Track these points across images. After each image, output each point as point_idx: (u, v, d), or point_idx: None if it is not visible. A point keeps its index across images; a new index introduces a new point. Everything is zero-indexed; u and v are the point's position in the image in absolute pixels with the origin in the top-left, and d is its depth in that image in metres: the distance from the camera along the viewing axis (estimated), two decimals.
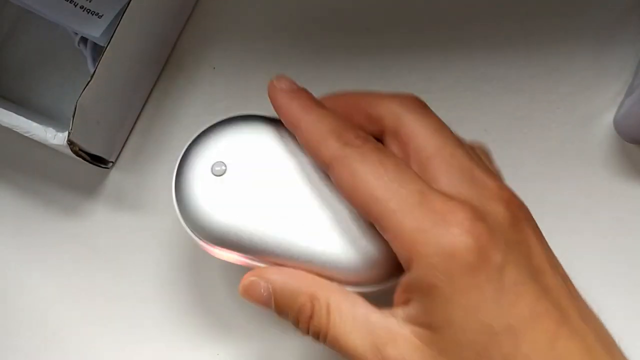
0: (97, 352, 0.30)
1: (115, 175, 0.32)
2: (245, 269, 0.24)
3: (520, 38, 0.32)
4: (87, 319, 0.31)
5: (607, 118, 0.31)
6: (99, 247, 0.31)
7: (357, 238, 0.23)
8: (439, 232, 0.19)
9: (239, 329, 0.30)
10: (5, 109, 0.28)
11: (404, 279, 0.20)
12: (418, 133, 0.22)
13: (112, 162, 0.32)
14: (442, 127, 0.22)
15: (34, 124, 0.27)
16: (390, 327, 0.21)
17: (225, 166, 0.24)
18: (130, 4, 0.28)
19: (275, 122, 0.25)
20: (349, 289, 0.22)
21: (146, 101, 0.32)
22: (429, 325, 0.20)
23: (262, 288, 0.23)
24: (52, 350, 0.30)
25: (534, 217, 0.22)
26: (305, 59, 0.32)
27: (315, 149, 0.23)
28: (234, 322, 0.30)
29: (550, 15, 0.32)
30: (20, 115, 0.28)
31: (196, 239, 0.24)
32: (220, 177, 0.24)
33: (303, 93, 0.24)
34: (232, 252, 0.24)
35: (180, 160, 0.25)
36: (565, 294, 0.20)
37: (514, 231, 0.20)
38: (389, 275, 0.23)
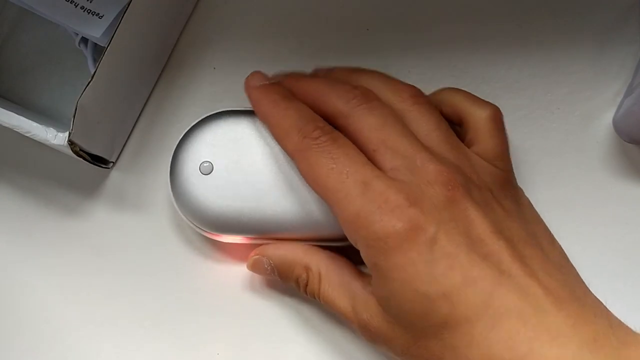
0: (97, 352, 0.30)
1: (115, 175, 0.32)
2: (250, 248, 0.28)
3: (520, 38, 0.32)
4: (87, 318, 0.31)
5: (607, 118, 0.31)
6: (99, 247, 0.31)
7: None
8: (375, 218, 0.23)
9: (239, 329, 0.30)
10: (5, 109, 0.28)
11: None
12: (362, 128, 0.25)
13: (112, 162, 0.32)
14: (385, 120, 0.25)
15: (35, 124, 0.27)
16: (365, 295, 0.25)
17: (211, 163, 0.28)
18: (130, 5, 0.28)
19: (252, 114, 0.28)
20: (336, 244, 0.27)
21: (147, 101, 0.32)
22: (380, 296, 0.24)
23: (265, 263, 0.28)
24: (52, 350, 0.30)
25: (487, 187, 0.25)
26: (305, 59, 0.32)
27: (281, 142, 0.26)
28: (234, 322, 0.30)
29: (550, 15, 0.32)
30: (21, 115, 0.28)
31: (203, 232, 0.28)
32: (209, 174, 0.27)
33: (273, 88, 0.28)
34: (236, 235, 0.28)
35: (171, 166, 0.28)
36: (508, 257, 0.22)
37: (450, 209, 0.23)
38: None
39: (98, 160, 0.30)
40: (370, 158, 0.25)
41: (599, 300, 0.24)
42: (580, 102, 0.31)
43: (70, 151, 0.28)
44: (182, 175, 0.28)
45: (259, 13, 0.33)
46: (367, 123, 0.25)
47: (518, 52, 0.31)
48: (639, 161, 0.30)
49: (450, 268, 0.22)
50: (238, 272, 0.30)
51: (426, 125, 0.26)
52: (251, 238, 0.28)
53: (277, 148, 0.28)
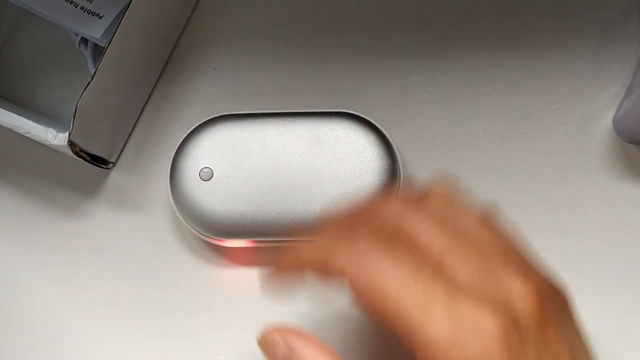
0: (97, 352, 0.30)
1: (115, 176, 0.32)
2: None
3: (520, 38, 0.32)
4: (87, 319, 0.31)
5: (606, 118, 0.31)
6: (99, 247, 0.31)
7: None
8: (472, 345, 0.18)
9: (239, 329, 0.30)
10: (5, 109, 0.28)
11: None
12: (420, 231, 0.20)
13: (112, 162, 0.32)
14: (444, 221, 0.21)
15: (35, 125, 0.27)
16: None
17: (211, 169, 0.27)
18: (130, 5, 0.28)
19: (247, 117, 0.28)
20: None
21: (146, 101, 0.32)
22: None
23: (281, 352, 0.22)
24: (52, 350, 0.31)
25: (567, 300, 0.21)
26: (305, 59, 0.32)
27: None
28: (234, 322, 0.30)
29: (550, 15, 0.32)
30: (21, 115, 0.28)
31: (206, 238, 0.28)
32: (210, 180, 0.27)
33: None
34: (239, 240, 0.28)
35: (171, 172, 0.28)
36: None
37: (541, 329, 0.19)
38: None
39: (98, 161, 0.30)
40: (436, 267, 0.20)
41: None
42: (580, 102, 0.31)
43: (70, 151, 0.28)
44: (183, 183, 0.28)
45: (259, 13, 0.33)
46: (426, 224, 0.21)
47: (518, 52, 0.31)
48: (639, 161, 0.30)
49: None
50: (238, 272, 0.30)
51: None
52: (254, 242, 0.28)
53: (276, 151, 0.28)
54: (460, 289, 0.19)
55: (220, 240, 0.28)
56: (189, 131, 0.29)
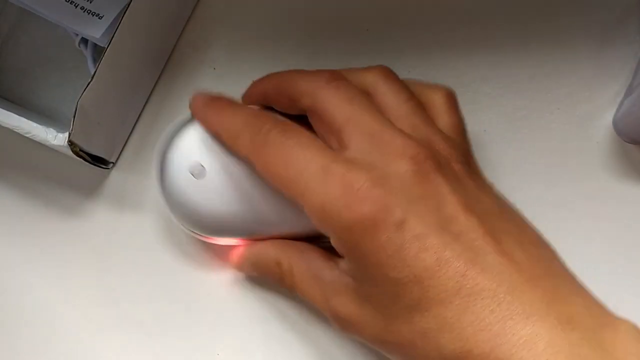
0: (97, 352, 0.30)
1: (115, 176, 0.32)
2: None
3: (520, 38, 0.32)
4: (87, 319, 0.31)
5: (607, 118, 0.31)
6: (99, 248, 0.31)
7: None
8: (340, 206, 0.21)
9: (239, 329, 0.30)
10: (5, 109, 0.28)
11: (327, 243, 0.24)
12: (327, 106, 0.24)
13: (112, 162, 0.32)
14: (352, 97, 0.24)
15: (35, 125, 0.27)
16: (334, 280, 0.24)
17: (203, 166, 0.26)
18: (130, 5, 0.28)
19: None
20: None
21: (147, 101, 0.32)
22: (354, 278, 0.23)
23: (244, 263, 0.28)
24: (52, 350, 0.31)
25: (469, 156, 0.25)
26: (305, 59, 0.32)
27: (233, 149, 0.25)
28: (234, 322, 0.30)
29: (550, 15, 0.32)
30: (21, 115, 0.28)
31: (195, 235, 0.28)
32: (202, 179, 0.26)
33: (216, 99, 0.27)
34: (228, 238, 0.28)
35: (161, 169, 0.27)
36: (481, 235, 0.21)
37: (419, 186, 0.22)
38: None
39: (98, 161, 0.30)
40: (336, 139, 0.23)
41: (576, 278, 0.23)
42: (580, 103, 0.31)
43: (70, 151, 0.28)
44: (174, 180, 0.27)
45: (259, 13, 0.33)
46: (332, 101, 0.24)
47: (518, 52, 0.31)
48: (639, 161, 0.30)
49: (421, 250, 0.21)
50: (238, 273, 0.30)
51: (395, 99, 0.25)
52: (247, 240, 0.28)
53: None
54: (343, 158, 0.23)
55: (213, 238, 0.28)
56: (177, 124, 0.28)
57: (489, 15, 0.32)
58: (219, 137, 0.26)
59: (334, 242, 0.23)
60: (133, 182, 0.32)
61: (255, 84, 0.28)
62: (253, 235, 0.27)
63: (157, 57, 0.32)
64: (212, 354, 0.30)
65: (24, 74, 0.33)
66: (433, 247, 0.21)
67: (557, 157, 0.31)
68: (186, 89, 0.32)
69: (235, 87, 0.31)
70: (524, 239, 0.23)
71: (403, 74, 0.31)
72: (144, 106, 0.32)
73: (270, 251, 0.27)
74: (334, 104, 0.24)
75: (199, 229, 0.27)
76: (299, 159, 0.23)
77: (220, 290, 0.30)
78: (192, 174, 0.26)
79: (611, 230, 0.30)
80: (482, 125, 0.31)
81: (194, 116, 0.27)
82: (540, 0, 0.32)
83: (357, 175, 0.22)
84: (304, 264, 0.26)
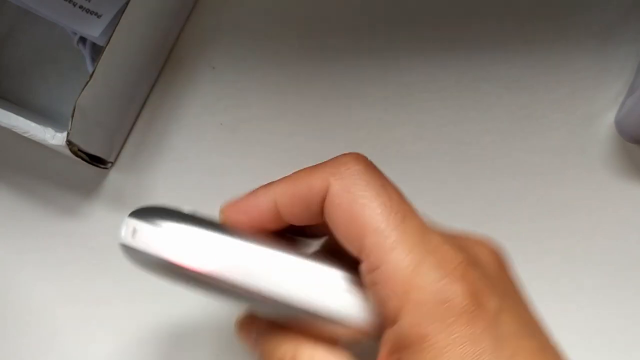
0: (96, 353, 0.30)
1: (114, 176, 0.32)
2: None
3: (520, 38, 0.31)
4: (85, 319, 0.31)
5: (608, 118, 0.30)
6: (98, 248, 0.31)
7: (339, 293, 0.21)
8: (435, 277, 0.18)
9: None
10: (4, 109, 0.28)
11: (389, 335, 0.19)
12: (344, 205, 0.20)
13: (111, 162, 0.32)
14: (367, 189, 0.20)
15: (33, 124, 0.27)
16: None
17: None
18: (129, 4, 0.28)
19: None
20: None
21: (145, 101, 0.32)
22: None
23: (253, 332, 0.23)
24: (51, 350, 0.30)
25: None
26: (305, 59, 0.32)
27: (307, 190, 0.20)
28: (233, 322, 0.30)
29: (551, 15, 0.32)
30: (19, 115, 0.27)
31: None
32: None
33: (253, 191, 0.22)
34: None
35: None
36: (559, 355, 0.19)
37: (503, 278, 0.20)
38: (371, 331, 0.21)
39: (96, 161, 0.30)
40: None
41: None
42: (582, 102, 0.31)
43: (69, 151, 0.28)
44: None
45: (259, 13, 0.33)
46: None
47: (519, 52, 0.31)
48: None
49: (517, 353, 0.18)
50: None
51: None
52: None
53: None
54: (434, 230, 0.19)
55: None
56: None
57: (489, 15, 0.32)
58: (283, 207, 0.21)
59: (403, 324, 0.18)
60: (132, 182, 0.32)
61: (248, 197, 0.22)
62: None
63: (156, 56, 0.32)
64: (212, 354, 0.30)
65: (22, 73, 0.33)
66: (526, 353, 0.18)
67: (557, 157, 0.30)
68: (185, 89, 0.32)
69: (235, 87, 0.31)
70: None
71: (403, 74, 0.31)
72: (143, 106, 0.32)
73: (289, 333, 0.22)
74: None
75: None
76: (399, 209, 0.19)
77: None
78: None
79: (613, 229, 0.29)
80: (484, 125, 0.31)
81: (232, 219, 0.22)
82: (540, 0, 0.32)
83: (452, 249, 0.19)
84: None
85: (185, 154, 0.32)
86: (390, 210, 0.19)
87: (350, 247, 0.20)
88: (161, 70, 0.33)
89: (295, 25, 0.33)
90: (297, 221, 0.21)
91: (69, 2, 0.30)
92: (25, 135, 0.28)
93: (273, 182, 0.22)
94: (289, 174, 0.21)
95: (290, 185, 0.21)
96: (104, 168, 0.31)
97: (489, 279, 0.19)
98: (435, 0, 0.32)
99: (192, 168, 0.31)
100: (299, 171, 0.21)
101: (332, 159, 0.21)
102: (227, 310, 0.30)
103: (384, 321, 0.19)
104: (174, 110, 0.32)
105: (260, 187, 0.22)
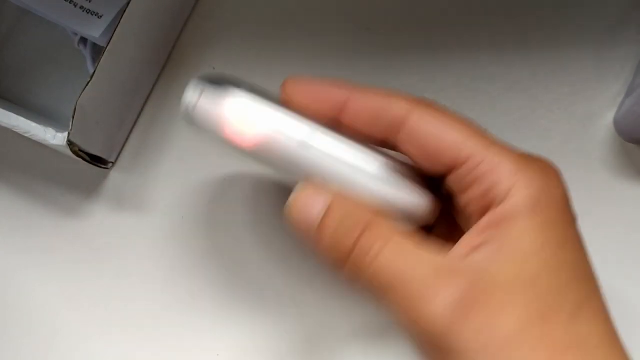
0: (96, 353, 0.30)
1: (115, 176, 0.32)
2: None
3: (521, 38, 0.32)
4: (86, 319, 0.31)
5: (608, 118, 0.31)
6: (99, 248, 0.31)
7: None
8: (535, 169, 0.21)
9: (239, 330, 0.30)
10: (4, 109, 0.28)
11: (490, 215, 0.21)
12: (435, 132, 0.22)
13: (112, 162, 0.32)
14: (457, 122, 0.23)
15: (34, 124, 0.27)
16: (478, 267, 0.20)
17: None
18: (130, 4, 0.28)
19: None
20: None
21: (146, 101, 0.32)
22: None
23: (319, 204, 0.21)
24: (52, 351, 0.30)
25: None
26: (305, 59, 0.32)
27: (384, 106, 0.22)
28: (233, 323, 0.30)
29: (550, 15, 0.32)
30: (20, 115, 0.27)
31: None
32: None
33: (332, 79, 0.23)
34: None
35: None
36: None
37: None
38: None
39: (97, 161, 0.30)
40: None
41: None
42: (581, 102, 0.31)
43: (70, 151, 0.28)
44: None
45: (259, 13, 0.33)
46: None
47: (518, 52, 0.31)
48: None
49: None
50: (238, 273, 0.30)
51: None
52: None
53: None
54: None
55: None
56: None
57: (489, 14, 0.32)
58: (354, 105, 0.22)
59: (512, 202, 0.20)
60: (132, 182, 0.32)
61: (324, 87, 0.23)
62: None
63: (156, 56, 0.32)
64: (212, 354, 0.30)
65: (23, 73, 0.33)
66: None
67: (557, 157, 0.30)
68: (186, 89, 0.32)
69: None
70: None
71: (403, 74, 0.31)
72: (144, 106, 0.32)
73: (364, 207, 0.22)
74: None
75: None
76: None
77: (220, 290, 0.30)
78: None
79: (612, 229, 0.30)
80: (483, 125, 0.31)
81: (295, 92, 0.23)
82: (540, 0, 0.32)
83: (535, 157, 0.23)
84: (411, 241, 0.21)
85: (186, 154, 0.32)
86: (475, 127, 0.22)
87: (435, 162, 0.22)
88: (162, 71, 0.33)
89: (295, 25, 0.33)
90: (360, 127, 0.23)
91: (70, 2, 0.30)
92: (26, 135, 0.28)
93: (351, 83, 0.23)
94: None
95: (371, 94, 0.22)
96: (104, 168, 0.31)
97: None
98: (435, 1, 0.32)
99: (193, 168, 0.31)
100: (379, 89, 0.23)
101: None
102: (229, 311, 0.30)
103: (485, 207, 0.21)
104: (175, 110, 0.32)
105: (336, 79, 0.23)
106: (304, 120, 0.22)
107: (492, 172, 0.21)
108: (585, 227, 0.30)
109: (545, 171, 0.22)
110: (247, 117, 0.22)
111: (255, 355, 0.30)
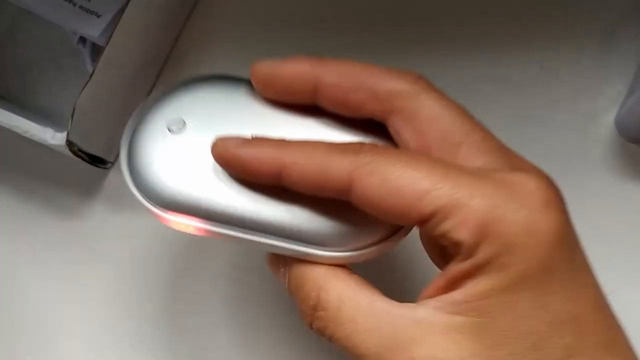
0: (96, 353, 0.30)
1: (114, 176, 0.32)
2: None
3: (521, 38, 0.31)
4: (85, 319, 0.31)
5: (609, 118, 0.30)
6: (98, 248, 0.31)
7: (330, 205, 0.20)
8: (512, 207, 0.17)
9: (238, 330, 0.30)
10: (3, 108, 0.28)
11: (458, 266, 0.17)
12: (442, 116, 0.20)
13: (111, 162, 0.32)
14: (464, 110, 0.21)
15: (33, 124, 0.27)
16: (421, 320, 0.17)
17: (185, 124, 0.21)
18: (129, 4, 0.28)
19: (244, 83, 0.22)
20: (332, 254, 0.20)
21: None
22: (482, 311, 0.17)
23: (281, 264, 0.21)
24: (51, 351, 0.30)
25: None
26: None
27: (322, 175, 0.18)
28: (233, 323, 0.30)
29: (551, 15, 0.31)
30: (19, 115, 0.28)
31: (147, 204, 0.22)
32: (178, 135, 0.21)
33: (261, 139, 0.20)
34: (189, 217, 0.21)
35: (133, 117, 0.23)
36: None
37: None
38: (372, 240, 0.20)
39: (96, 160, 0.30)
40: (451, 156, 0.20)
41: None
42: (582, 102, 0.31)
43: (69, 151, 0.28)
44: (147, 133, 0.22)
45: (259, 13, 0.33)
46: (447, 111, 0.20)
47: (520, 52, 0.31)
48: None
49: (587, 286, 0.19)
50: (238, 273, 0.30)
51: None
52: (209, 224, 0.21)
53: (271, 121, 0.21)
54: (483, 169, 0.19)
55: (162, 211, 0.22)
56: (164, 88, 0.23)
57: (490, 14, 0.32)
58: (290, 172, 0.19)
59: (482, 256, 0.17)
60: None
61: (321, 65, 0.20)
62: (218, 223, 0.21)
63: (156, 56, 0.32)
64: (212, 354, 0.30)
65: (22, 73, 0.33)
66: (594, 285, 0.19)
67: (558, 157, 0.30)
68: None
69: None
70: None
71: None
72: None
73: (316, 268, 0.20)
74: (449, 114, 0.20)
75: (157, 198, 0.21)
76: (435, 166, 0.18)
77: (220, 290, 0.30)
78: (168, 128, 0.22)
79: (613, 229, 0.29)
80: (484, 125, 0.31)
81: (231, 162, 0.20)
82: (541, 0, 0.32)
83: (524, 175, 0.18)
84: (363, 295, 0.19)
85: None
86: (440, 163, 0.19)
87: (398, 221, 0.19)
88: (161, 70, 0.33)
89: (295, 26, 0.33)
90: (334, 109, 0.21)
91: (69, 1, 0.30)
92: (25, 135, 0.27)
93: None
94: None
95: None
96: (103, 168, 0.31)
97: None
98: (436, 1, 0.32)
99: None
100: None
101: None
102: (229, 311, 0.30)
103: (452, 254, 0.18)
104: None
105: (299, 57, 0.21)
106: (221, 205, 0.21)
107: (456, 230, 0.17)
108: (585, 227, 0.30)
109: (529, 205, 0.18)
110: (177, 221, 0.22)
111: (255, 356, 0.30)
